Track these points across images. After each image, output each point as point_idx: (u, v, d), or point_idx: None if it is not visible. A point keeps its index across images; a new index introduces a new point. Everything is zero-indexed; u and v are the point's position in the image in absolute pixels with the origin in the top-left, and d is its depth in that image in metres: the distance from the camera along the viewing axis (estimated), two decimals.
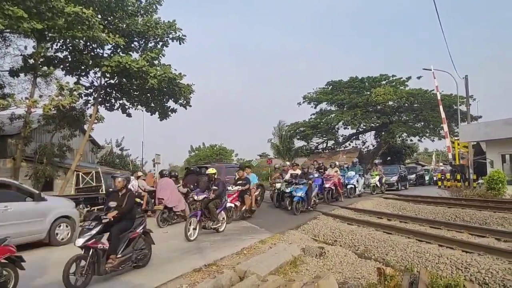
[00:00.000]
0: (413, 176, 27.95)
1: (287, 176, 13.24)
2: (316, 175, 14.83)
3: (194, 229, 8.22)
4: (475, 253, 6.29)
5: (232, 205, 10.43)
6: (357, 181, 16.66)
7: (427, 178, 30.60)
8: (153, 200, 11.90)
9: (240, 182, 10.83)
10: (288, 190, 12.32)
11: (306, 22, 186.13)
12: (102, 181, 14.78)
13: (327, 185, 14.40)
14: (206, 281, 5.05)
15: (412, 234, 8.14)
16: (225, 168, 15.16)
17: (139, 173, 13.02)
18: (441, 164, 40.94)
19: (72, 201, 9.46)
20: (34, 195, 8.14)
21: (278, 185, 13.66)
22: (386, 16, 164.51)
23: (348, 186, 16.23)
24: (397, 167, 24.30)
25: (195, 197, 8.81)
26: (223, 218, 9.22)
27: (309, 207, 12.03)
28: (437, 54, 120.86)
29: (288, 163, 18.49)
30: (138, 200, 10.82)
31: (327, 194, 14.42)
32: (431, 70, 23.88)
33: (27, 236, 7.66)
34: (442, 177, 23.54)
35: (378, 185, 18.16)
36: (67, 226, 8.55)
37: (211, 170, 9.46)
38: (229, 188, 10.48)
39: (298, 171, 13.23)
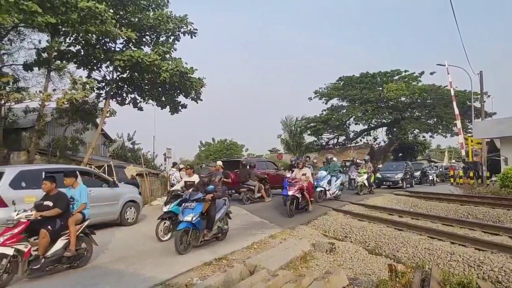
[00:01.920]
0: (418, 173, 25.06)
1: (178, 186, 9.08)
2: (288, 175, 12.06)
3: None
4: (488, 251, 6.20)
5: (8, 252, 4.92)
6: (330, 182, 13.57)
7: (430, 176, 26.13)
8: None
9: (46, 203, 5.47)
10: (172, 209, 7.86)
11: (314, 17, 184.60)
12: (114, 175, 14.93)
13: (290, 192, 10.47)
14: (216, 275, 5.08)
15: (423, 231, 8.04)
16: (257, 163, 15.23)
17: (181, 166, 15.23)
18: (453, 161, 40.32)
19: (137, 188, 10.97)
20: (109, 182, 9.52)
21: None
22: (399, 11, 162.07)
23: (318, 189, 12.76)
24: (402, 163, 22.01)
25: None
26: None
27: (205, 239, 6.92)
28: (452, 50, 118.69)
29: (217, 163, 12.28)
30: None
31: (290, 205, 10.52)
32: (445, 65, 23.56)
33: (105, 216, 9.04)
34: (454, 174, 23.10)
35: (366, 184, 16.09)
36: (133, 209, 9.90)
37: None
38: (14, 215, 5.13)
39: (195, 178, 8.55)
